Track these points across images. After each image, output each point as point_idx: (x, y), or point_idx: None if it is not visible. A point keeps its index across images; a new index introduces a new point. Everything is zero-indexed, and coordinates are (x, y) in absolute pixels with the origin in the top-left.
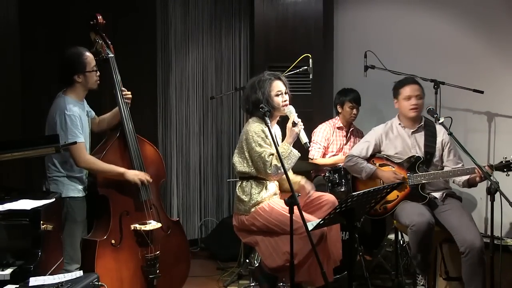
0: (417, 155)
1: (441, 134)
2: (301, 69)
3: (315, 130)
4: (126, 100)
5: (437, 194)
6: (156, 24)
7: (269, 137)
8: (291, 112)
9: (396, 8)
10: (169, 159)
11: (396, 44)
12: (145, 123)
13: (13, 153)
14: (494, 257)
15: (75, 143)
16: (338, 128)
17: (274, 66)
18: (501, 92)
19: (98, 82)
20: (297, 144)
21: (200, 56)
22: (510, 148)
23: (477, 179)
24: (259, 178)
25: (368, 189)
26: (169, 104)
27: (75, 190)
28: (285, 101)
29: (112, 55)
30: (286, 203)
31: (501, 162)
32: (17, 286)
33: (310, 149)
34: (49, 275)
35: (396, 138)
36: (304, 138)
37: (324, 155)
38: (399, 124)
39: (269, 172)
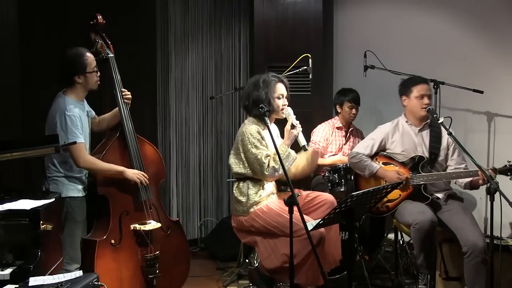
0: (420, 154)
1: (447, 134)
2: (300, 69)
3: (314, 130)
4: (126, 101)
5: (439, 195)
6: (155, 23)
7: (266, 138)
8: (290, 114)
9: (395, 8)
10: (168, 159)
11: (396, 44)
12: (144, 123)
13: (13, 153)
14: (493, 257)
15: (74, 143)
16: (338, 128)
17: (273, 66)
18: (501, 92)
19: (99, 83)
20: (296, 146)
21: (199, 56)
22: (510, 148)
23: (480, 181)
24: (256, 178)
25: (367, 189)
26: (168, 104)
27: (75, 190)
28: (284, 104)
29: (112, 55)
30: (286, 203)
31: (505, 166)
32: (17, 286)
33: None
34: (48, 275)
35: (402, 136)
36: (302, 141)
37: (323, 155)
38: (406, 122)
39: (266, 173)
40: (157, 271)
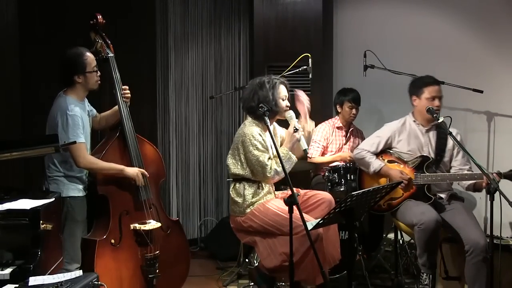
0: (425, 154)
1: (447, 134)
2: (300, 69)
3: (314, 130)
4: (125, 99)
5: (442, 195)
6: (155, 23)
7: (267, 139)
8: (292, 118)
9: (395, 7)
10: (168, 158)
11: (396, 43)
12: (144, 123)
13: (12, 152)
14: (493, 257)
15: (74, 142)
16: (338, 127)
17: (273, 65)
18: (500, 92)
19: (99, 82)
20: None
21: (199, 56)
22: (510, 147)
23: (484, 184)
24: (252, 179)
25: (367, 189)
26: (168, 103)
27: (75, 190)
28: (287, 106)
29: (112, 55)
30: (286, 202)
31: (510, 170)
32: (17, 285)
33: (309, 148)
34: (48, 274)
35: (409, 135)
36: (303, 145)
37: (323, 155)
38: (414, 121)
39: (268, 175)
40: (157, 271)
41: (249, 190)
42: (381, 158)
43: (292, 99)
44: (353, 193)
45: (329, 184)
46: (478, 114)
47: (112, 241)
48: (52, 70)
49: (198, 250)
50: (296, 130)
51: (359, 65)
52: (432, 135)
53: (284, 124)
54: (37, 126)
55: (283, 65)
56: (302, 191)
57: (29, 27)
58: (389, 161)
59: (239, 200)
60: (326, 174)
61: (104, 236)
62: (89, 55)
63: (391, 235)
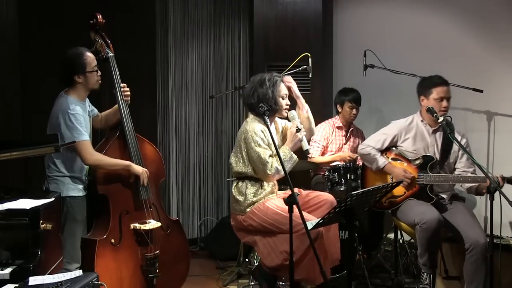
0: (429, 154)
1: (459, 138)
2: (300, 68)
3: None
4: (125, 98)
5: (444, 195)
6: (155, 23)
7: (268, 137)
8: (294, 118)
9: (395, 7)
10: (168, 158)
11: (396, 43)
12: (144, 122)
13: (12, 152)
14: (493, 256)
15: (73, 142)
16: (338, 127)
17: (273, 65)
18: (500, 91)
19: (100, 82)
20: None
21: (199, 55)
22: (510, 147)
23: (485, 190)
24: (255, 178)
25: (367, 189)
26: (168, 103)
27: (76, 190)
28: (287, 104)
29: (111, 55)
30: (286, 202)
31: None
32: (17, 285)
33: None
34: (48, 274)
35: (416, 134)
36: (305, 145)
37: (323, 155)
38: (422, 121)
39: (269, 173)
40: (157, 271)
41: (251, 189)
42: (385, 156)
43: (293, 102)
44: (353, 192)
45: (329, 183)
46: (478, 114)
47: (112, 240)
48: (52, 70)
49: (198, 249)
50: (298, 130)
51: (359, 64)
52: (439, 135)
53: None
54: (37, 126)
55: (283, 65)
56: (304, 192)
57: (29, 27)
58: (393, 159)
59: (241, 198)
60: (326, 173)
61: (104, 236)
62: (89, 55)
63: (391, 235)
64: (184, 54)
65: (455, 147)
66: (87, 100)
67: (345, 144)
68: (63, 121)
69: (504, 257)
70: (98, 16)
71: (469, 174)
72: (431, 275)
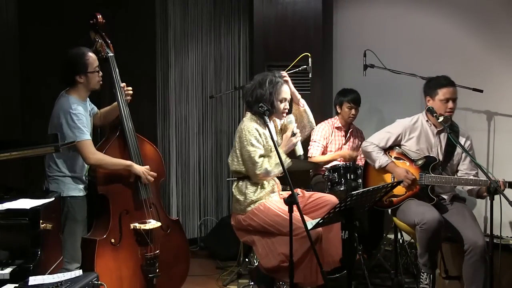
0: (432, 155)
1: (464, 140)
2: (300, 68)
3: (314, 129)
4: (126, 97)
5: (445, 196)
6: (155, 22)
7: (263, 136)
8: (291, 122)
9: (395, 7)
10: (168, 158)
11: (396, 43)
12: (144, 122)
13: (12, 152)
14: (493, 256)
15: (73, 142)
16: (337, 128)
17: (273, 65)
18: (500, 91)
19: (101, 82)
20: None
21: (199, 55)
22: (510, 147)
23: (485, 194)
24: None
25: (367, 188)
26: (168, 103)
27: (76, 190)
28: (285, 108)
29: (112, 54)
30: (286, 202)
31: None
32: (17, 285)
33: (309, 147)
34: (48, 274)
35: (420, 135)
36: (299, 150)
37: (323, 155)
38: (427, 121)
39: (257, 173)
40: (157, 270)
41: (250, 189)
42: (388, 154)
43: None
44: (353, 192)
45: (329, 183)
46: (478, 114)
47: (112, 240)
48: (52, 70)
49: (198, 249)
50: (293, 134)
51: (359, 64)
52: (443, 137)
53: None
54: (37, 126)
55: (283, 65)
56: (307, 193)
57: (29, 27)
58: (396, 158)
59: (241, 198)
60: (326, 173)
61: (104, 236)
62: (91, 55)
63: (391, 235)
64: (184, 54)
65: (459, 149)
66: (88, 99)
67: (344, 144)
68: (65, 121)
69: (504, 257)
70: (98, 16)
71: (471, 177)
72: (431, 275)
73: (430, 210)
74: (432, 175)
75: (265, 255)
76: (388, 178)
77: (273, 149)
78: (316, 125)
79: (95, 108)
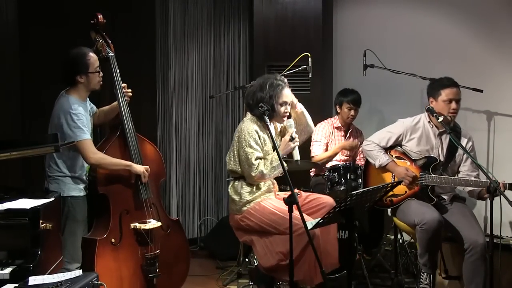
0: (433, 155)
1: (465, 141)
2: (300, 68)
3: (314, 129)
4: (126, 98)
5: (445, 196)
6: (155, 22)
7: (262, 139)
8: (291, 126)
9: (395, 7)
10: (168, 158)
11: (396, 43)
12: (144, 122)
13: (12, 152)
14: (493, 256)
15: (73, 142)
16: (337, 128)
17: (273, 65)
18: (500, 91)
19: (101, 83)
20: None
21: (199, 55)
22: (510, 147)
23: (486, 195)
24: None
25: (367, 188)
26: (168, 103)
27: (76, 189)
28: (286, 112)
29: (112, 54)
30: (286, 202)
31: None
32: (16, 285)
33: (311, 148)
34: (48, 274)
35: (422, 135)
36: (296, 155)
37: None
38: (429, 122)
39: (252, 174)
40: (157, 270)
41: (245, 189)
42: (388, 154)
43: None
44: (353, 192)
45: (329, 183)
46: (478, 113)
47: (112, 240)
48: (52, 70)
49: (198, 249)
50: (292, 139)
51: (358, 64)
52: (445, 138)
53: None
54: (37, 126)
55: (283, 65)
56: (304, 194)
57: (29, 27)
58: (397, 157)
59: (236, 198)
60: (326, 173)
61: (104, 236)
62: (92, 55)
63: (391, 235)
64: (184, 54)
65: (460, 150)
66: (88, 99)
67: None
68: (65, 121)
69: (504, 257)
70: (99, 16)
71: (472, 178)
72: (431, 275)
73: (430, 210)
74: (433, 175)
75: (263, 255)
76: (389, 178)
77: (271, 152)
78: (316, 125)
79: (94, 107)
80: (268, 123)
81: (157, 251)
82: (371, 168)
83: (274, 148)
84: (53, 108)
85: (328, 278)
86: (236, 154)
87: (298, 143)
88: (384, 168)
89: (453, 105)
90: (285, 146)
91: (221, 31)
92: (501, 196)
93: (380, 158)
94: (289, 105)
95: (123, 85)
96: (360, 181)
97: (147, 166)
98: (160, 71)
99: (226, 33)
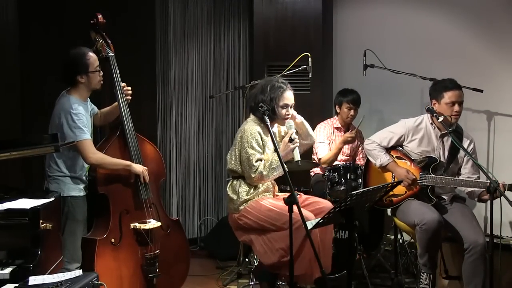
0: (433, 156)
1: (467, 143)
2: (300, 68)
3: (315, 130)
4: (126, 98)
5: (445, 196)
6: (155, 22)
7: (264, 141)
8: (291, 128)
9: (395, 7)
10: (168, 158)
11: (395, 43)
12: (144, 122)
13: (12, 152)
14: (494, 256)
15: (73, 142)
16: (336, 128)
17: (273, 65)
18: (500, 91)
19: (102, 82)
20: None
21: (199, 55)
22: (510, 147)
23: (486, 196)
24: None
25: (367, 188)
26: (168, 103)
27: (76, 189)
28: (288, 114)
29: (112, 54)
30: (286, 202)
31: None
32: (17, 285)
33: (316, 151)
34: (48, 274)
35: (423, 137)
36: (297, 156)
37: None
38: (431, 123)
39: (252, 176)
40: (157, 270)
41: (243, 188)
42: (389, 153)
43: None
44: (353, 192)
45: (329, 183)
46: (478, 114)
47: (112, 240)
48: (52, 70)
49: (198, 249)
50: (291, 140)
51: (358, 64)
52: (446, 140)
53: None
54: (37, 126)
55: (283, 65)
56: (303, 196)
57: (29, 27)
58: (397, 157)
59: (234, 197)
60: (326, 173)
61: (104, 235)
62: (91, 55)
63: (391, 235)
64: (184, 53)
65: (461, 152)
66: (88, 100)
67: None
68: (65, 121)
69: (504, 257)
70: (99, 16)
71: (472, 179)
72: (431, 275)
73: (430, 210)
74: (433, 175)
75: (263, 253)
76: (389, 178)
77: (271, 153)
78: (316, 126)
79: (95, 109)
80: (268, 123)
81: (157, 251)
82: (371, 168)
83: (276, 150)
84: (53, 108)
85: (328, 278)
86: (237, 154)
87: (297, 144)
88: (384, 168)
89: (456, 107)
90: (285, 148)
91: (221, 30)
92: (501, 196)
93: (381, 158)
94: (291, 107)
95: (122, 84)
96: (360, 181)
97: (146, 168)
98: (160, 71)
99: (226, 33)
